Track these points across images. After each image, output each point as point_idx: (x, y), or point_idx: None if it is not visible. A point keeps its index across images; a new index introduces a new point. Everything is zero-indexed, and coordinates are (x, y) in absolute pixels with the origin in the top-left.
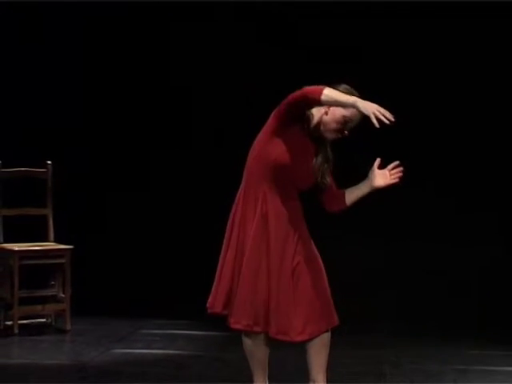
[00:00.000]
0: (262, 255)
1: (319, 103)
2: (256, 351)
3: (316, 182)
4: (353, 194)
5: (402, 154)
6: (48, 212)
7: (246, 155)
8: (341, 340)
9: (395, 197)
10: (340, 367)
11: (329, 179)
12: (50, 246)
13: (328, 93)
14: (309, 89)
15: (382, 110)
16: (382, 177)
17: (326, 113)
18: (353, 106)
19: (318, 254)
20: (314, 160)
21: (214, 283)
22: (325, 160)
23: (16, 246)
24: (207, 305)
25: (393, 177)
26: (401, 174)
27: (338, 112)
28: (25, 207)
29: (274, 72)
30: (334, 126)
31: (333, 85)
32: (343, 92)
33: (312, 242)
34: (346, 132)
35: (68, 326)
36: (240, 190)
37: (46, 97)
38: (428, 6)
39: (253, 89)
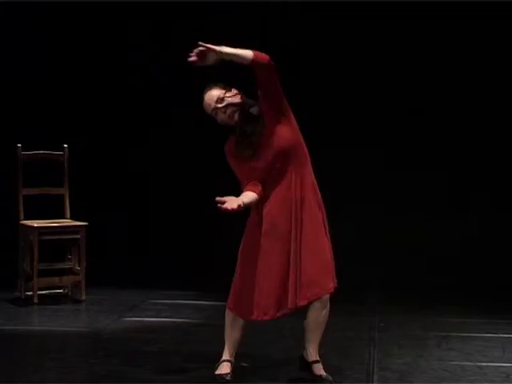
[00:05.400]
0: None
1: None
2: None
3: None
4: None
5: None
6: (65, 191)
7: None
8: (335, 307)
9: (391, 178)
10: (334, 332)
11: None
12: (67, 222)
13: None
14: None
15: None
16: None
17: None
18: None
19: None
20: None
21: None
22: None
23: (36, 223)
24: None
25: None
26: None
27: None
28: (43, 187)
29: None
30: None
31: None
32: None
33: None
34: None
35: (83, 296)
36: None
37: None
38: None
39: None
